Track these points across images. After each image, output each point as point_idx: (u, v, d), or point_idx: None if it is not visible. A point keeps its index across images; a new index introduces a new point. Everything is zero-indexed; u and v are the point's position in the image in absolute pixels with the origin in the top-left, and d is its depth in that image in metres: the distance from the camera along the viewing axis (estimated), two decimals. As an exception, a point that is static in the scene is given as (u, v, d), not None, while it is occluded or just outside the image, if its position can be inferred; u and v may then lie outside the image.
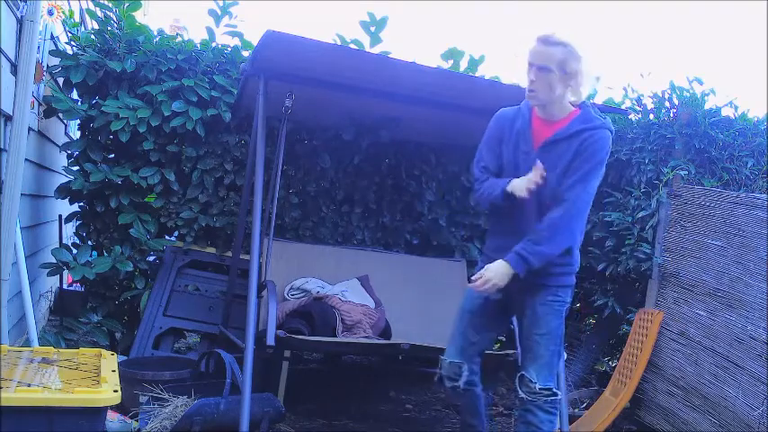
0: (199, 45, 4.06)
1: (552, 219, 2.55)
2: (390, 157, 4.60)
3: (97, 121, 3.88)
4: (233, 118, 4.04)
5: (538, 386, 2.62)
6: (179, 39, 4.09)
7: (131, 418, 3.17)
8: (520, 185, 2.57)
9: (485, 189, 2.71)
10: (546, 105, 2.62)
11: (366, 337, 3.71)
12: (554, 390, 2.65)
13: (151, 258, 4.21)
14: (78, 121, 4.13)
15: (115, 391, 2.42)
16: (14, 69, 3.27)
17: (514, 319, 3.18)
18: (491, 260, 2.63)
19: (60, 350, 2.94)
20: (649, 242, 4.18)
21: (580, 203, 2.58)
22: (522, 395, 2.66)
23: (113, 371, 2.64)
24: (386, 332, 3.89)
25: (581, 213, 2.60)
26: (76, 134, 4.55)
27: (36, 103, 3.80)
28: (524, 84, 2.68)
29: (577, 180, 2.56)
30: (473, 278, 2.62)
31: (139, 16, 4.13)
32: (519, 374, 2.69)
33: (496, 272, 2.56)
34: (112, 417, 3.12)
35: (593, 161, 2.56)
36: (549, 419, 2.65)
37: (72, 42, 3.97)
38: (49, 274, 4.17)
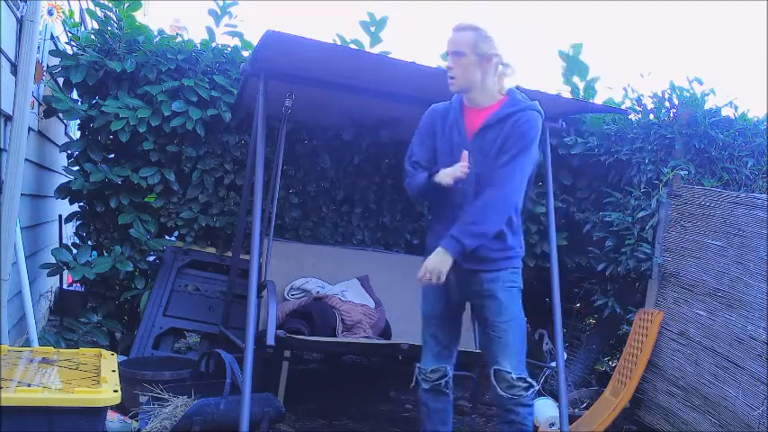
0: (199, 45, 4.06)
1: (483, 199, 2.59)
2: (390, 157, 4.60)
3: (97, 121, 3.88)
4: (233, 118, 4.04)
5: (514, 376, 2.62)
6: (179, 39, 4.09)
7: (131, 418, 3.17)
8: (445, 173, 2.61)
9: (413, 180, 2.78)
10: (470, 92, 2.68)
11: (366, 337, 3.71)
12: (528, 379, 2.65)
13: (151, 258, 4.21)
14: (78, 121, 4.13)
15: (115, 391, 2.42)
16: (14, 69, 3.27)
17: None
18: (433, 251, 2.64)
19: (60, 350, 2.94)
20: (649, 242, 4.17)
21: (511, 183, 2.59)
22: (501, 392, 2.64)
23: (113, 371, 2.64)
24: (386, 332, 3.90)
25: (513, 193, 2.61)
26: (76, 134, 4.55)
27: (36, 103, 3.80)
28: (524, 84, 2.71)
29: (507, 160, 2.59)
30: (418, 276, 2.62)
31: (139, 16, 4.13)
32: (492, 369, 2.66)
33: (434, 262, 2.57)
34: (112, 417, 3.12)
35: (523, 141, 2.59)
36: (529, 412, 2.68)
37: (72, 42, 3.97)
38: (49, 275, 4.17)
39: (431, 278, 2.58)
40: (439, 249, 2.58)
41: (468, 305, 2.90)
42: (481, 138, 2.65)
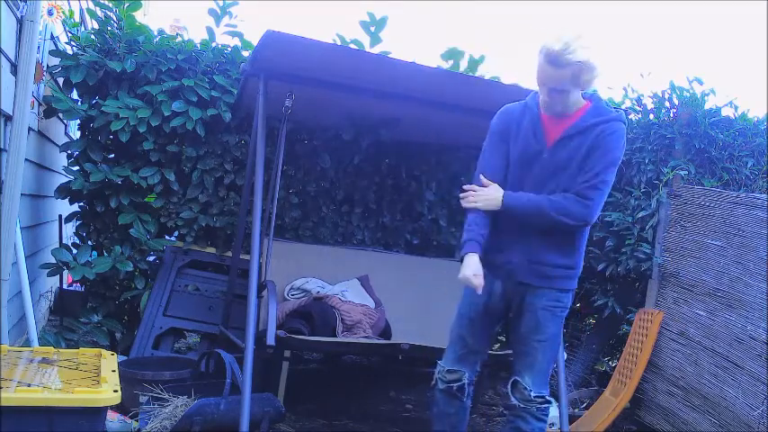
0: (199, 45, 4.05)
1: (570, 200, 2.46)
2: (390, 157, 4.60)
3: (97, 121, 3.88)
4: (233, 118, 4.04)
5: (532, 393, 2.55)
6: (179, 39, 4.09)
7: (131, 418, 3.17)
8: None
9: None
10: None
11: (366, 337, 3.71)
12: (547, 397, 2.58)
13: (151, 258, 4.21)
14: (78, 121, 4.13)
15: (115, 391, 2.42)
16: (14, 69, 3.27)
17: None
18: (488, 262, 2.55)
19: (60, 350, 2.94)
20: (649, 242, 4.18)
21: (594, 202, 2.47)
22: (515, 402, 2.58)
23: (113, 371, 2.64)
24: (386, 332, 3.90)
25: (594, 212, 2.49)
26: (76, 134, 4.55)
27: (36, 103, 3.80)
28: (525, 84, 2.66)
29: (591, 178, 2.46)
30: (465, 187, 2.59)
31: (139, 16, 4.13)
32: (513, 380, 2.61)
33: (490, 191, 2.54)
34: (112, 417, 3.12)
35: (610, 156, 2.47)
36: (541, 428, 2.58)
37: (72, 42, 3.97)
38: (49, 275, 4.16)
39: (477, 198, 2.54)
40: (498, 188, 2.55)
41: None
42: (561, 147, 2.51)
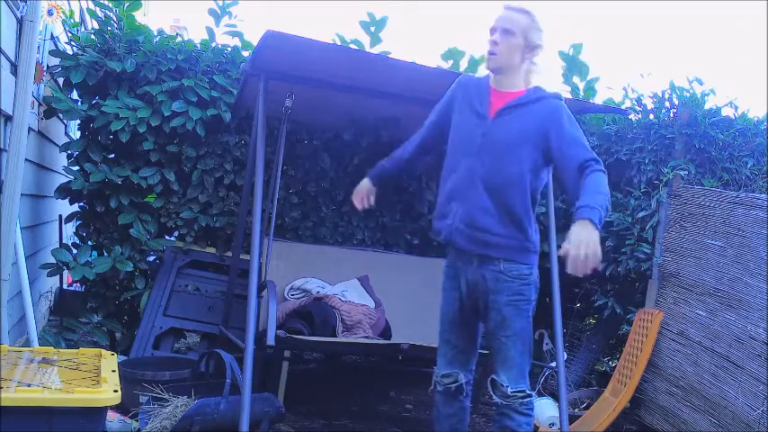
0: (199, 45, 4.06)
1: (591, 179, 2.45)
2: (390, 157, 4.59)
3: (97, 121, 3.88)
4: (233, 118, 4.04)
5: (509, 390, 2.57)
6: (179, 39, 4.09)
7: (131, 418, 3.17)
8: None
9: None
10: (503, 74, 2.62)
11: (366, 337, 3.71)
12: (527, 391, 2.60)
13: (151, 258, 4.21)
14: (78, 122, 4.14)
15: (115, 391, 2.42)
16: (14, 69, 3.28)
17: None
18: (437, 231, 2.69)
19: (60, 350, 2.94)
20: (649, 242, 4.17)
21: (594, 154, 2.54)
22: (497, 399, 2.61)
23: (113, 371, 2.64)
24: (386, 332, 3.90)
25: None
26: (76, 134, 4.55)
27: (36, 103, 3.80)
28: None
29: (579, 142, 2.55)
30: (572, 255, 2.33)
31: (139, 16, 4.13)
32: (490, 378, 2.64)
33: (590, 236, 2.31)
34: (112, 417, 3.13)
35: (576, 126, 2.59)
36: (527, 422, 2.60)
37: (72, 42, 3.97)
38: (49, 275, 4.17)
39: (588, 255, 2.32)
40: (585, 222, 2.31)
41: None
42: (504, 116, 2.59)
